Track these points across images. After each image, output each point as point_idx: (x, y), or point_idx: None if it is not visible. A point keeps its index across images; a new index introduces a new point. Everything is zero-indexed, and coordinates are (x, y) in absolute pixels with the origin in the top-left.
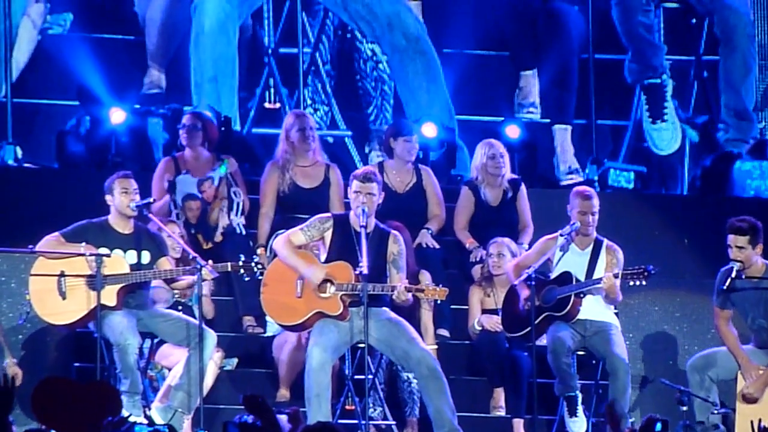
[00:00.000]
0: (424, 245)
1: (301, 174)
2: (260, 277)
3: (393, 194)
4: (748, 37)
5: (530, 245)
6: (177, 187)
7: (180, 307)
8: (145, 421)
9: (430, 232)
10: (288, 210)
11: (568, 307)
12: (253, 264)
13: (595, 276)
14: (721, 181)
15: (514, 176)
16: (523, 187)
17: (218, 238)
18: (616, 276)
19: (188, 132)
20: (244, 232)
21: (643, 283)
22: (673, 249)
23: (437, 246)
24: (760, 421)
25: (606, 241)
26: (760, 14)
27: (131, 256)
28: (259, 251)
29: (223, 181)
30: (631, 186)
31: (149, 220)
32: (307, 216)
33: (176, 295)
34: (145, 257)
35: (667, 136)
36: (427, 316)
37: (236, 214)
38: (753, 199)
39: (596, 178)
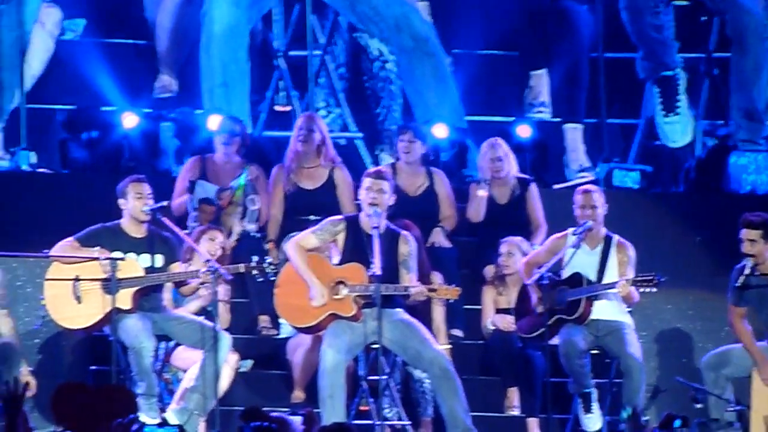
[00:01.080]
0: (437, 244)
1: (305, 175)
2: (273, 278)
3: (404, 197)
4: (761, 38)
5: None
6: (196, 190)
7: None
8: (157, 421)
9: (444, 231)
10: (291, 212)
11: (580, 311)
12: (265, 265)
13: (607, 276)
14: (717, 175)
15: (524, 176)
16: (533, 187)
17: (232, 244)
18: (628, 281)
19: (228, 138)
20: (258, 236)
21: (653, 290)
22: (684, 247)
23: (450, 245)
24: None
25: (616, 237)
26: None
27: (145, 259)
28: (269, 246)
29: (240, 190)
30: (636, 186)
31: (163, 225)
32: (314, 218)
33: None
34: (159, 261)
35: (680, 128)
36: (439, 316)
37: (249, 222)
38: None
39: (602, 177)
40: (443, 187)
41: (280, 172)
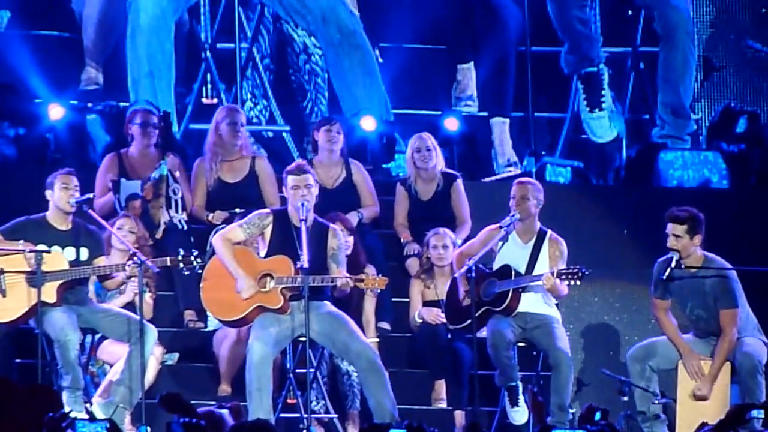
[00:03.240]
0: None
1: (227, 168)
2: (200, 271)
3: (322, 190)
4: (688, 34)
5: (465, 241)
6: (121, 188)
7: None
8: (87, 416)
9: (360, 216)
10: (215, 206)
11: (507, 302)
12: (192, 258)
13: (537, 270)
14: (646, 172)
15: (450, 171)
16: (458, 183)
17: (159, 234)
18: (553, 274)
19: (143, 128)
20: (185, 227)
21: (578, 283)
22: (612, 240)
23: (353, 225)
24: (705, 424)
25: (550, 233)
26: (699, 10)
27: (69, 252)
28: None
29: (162, 180)
30: (567, 181)
31: (90, 217)
32: (239, 210)
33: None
34: (84, 254)
35: (605, 124)
36: (370, 309)
37: (176, 211)
38: (697, 189)
39: (533, 171)
40: (361, 176)
41: (202, 165)
